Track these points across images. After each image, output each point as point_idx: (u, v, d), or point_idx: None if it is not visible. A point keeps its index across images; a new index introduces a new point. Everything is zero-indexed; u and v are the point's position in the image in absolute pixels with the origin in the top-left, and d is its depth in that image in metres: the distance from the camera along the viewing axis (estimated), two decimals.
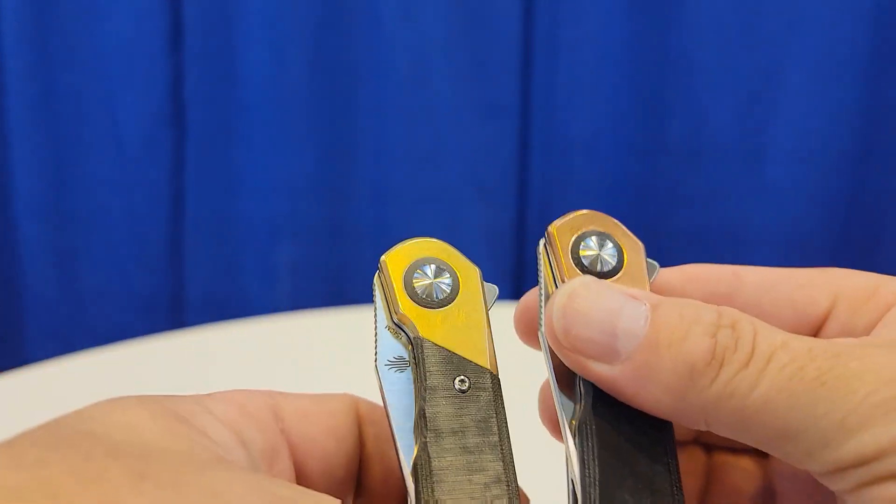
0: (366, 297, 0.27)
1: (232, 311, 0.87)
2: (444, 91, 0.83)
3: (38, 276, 0.87)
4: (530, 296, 0.27)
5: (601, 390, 0.24)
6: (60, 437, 0.19)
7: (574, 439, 0.24)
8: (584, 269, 0.26)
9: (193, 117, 0.85)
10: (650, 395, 0.22)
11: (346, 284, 0.88)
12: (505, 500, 0.23)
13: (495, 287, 0.27)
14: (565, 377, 0.25)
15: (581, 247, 0.26)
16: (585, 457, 0.24)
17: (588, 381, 0.24)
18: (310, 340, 0.61)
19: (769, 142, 0.83)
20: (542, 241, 0.27)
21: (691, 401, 0.22)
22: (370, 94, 0.83)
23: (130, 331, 0.75)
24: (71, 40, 0.82)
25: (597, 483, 0.23)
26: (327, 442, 0.25)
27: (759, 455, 0.28)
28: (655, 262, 0.27)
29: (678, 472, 0.24)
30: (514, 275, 0.88)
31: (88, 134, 0.84)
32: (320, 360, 0.58)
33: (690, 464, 0.28)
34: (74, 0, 0.81)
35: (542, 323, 0.25)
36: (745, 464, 0.28)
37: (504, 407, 0.25)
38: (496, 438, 0.24)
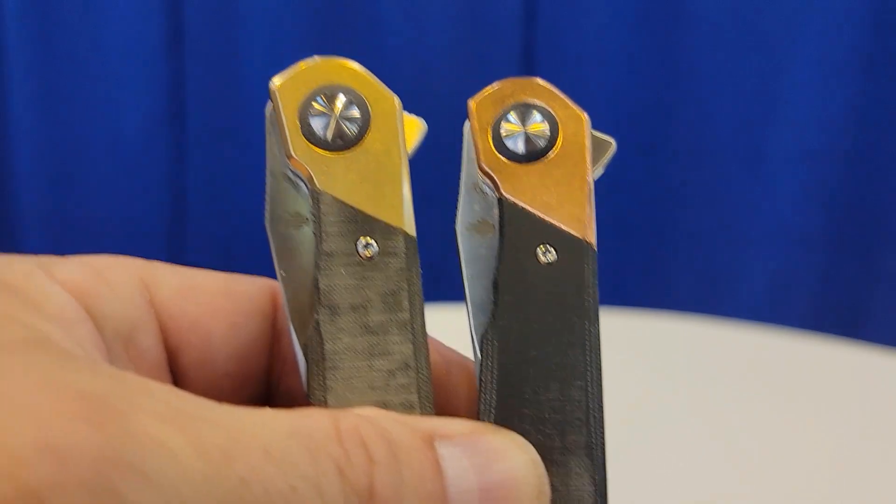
0: None
1: None
2: (445, 93, 0.80)
3: None
4: None
5: (511, 299, 0.20)
6: None
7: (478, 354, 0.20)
8: (506, 153, 0.21)
9: (194, 118, 0.82)
10: None
11: None
12: (413, 391, 0.19)
13: (421, 121, 0.21)
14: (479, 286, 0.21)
15: (502, 124, 0.21)
16: (484, 377, 0.20)
17: (498, 289, 0.20)
18: None
19: (770, 142, 0.83)
20: (465, 122, 0.22)
21: None
22: None
23: None
24: (72, 41, 0.79)
25: (492, 409, 0.19)
26: (213, 326, 0.21)
27: None
28: (610, 139, 0.21)
29: (600, 400, 0.20)
30: None
31: (89, 134, 0.82)
32: None
33: None
34: (76, 1, 0.78)
35: (458, 218, 0.21)
36: None
37: (419, 277, 0.20)
38: (406, 315, 0.20)
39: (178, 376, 0.21)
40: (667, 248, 0.85)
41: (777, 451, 0.46)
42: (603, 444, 0.19)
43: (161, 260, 0.77)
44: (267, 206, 0.21)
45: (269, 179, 0.21)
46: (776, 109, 0.82)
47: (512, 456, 0.18)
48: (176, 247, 0.87)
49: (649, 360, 0.56)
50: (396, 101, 0.21)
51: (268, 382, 0.22)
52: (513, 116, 0.21)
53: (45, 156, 0.83)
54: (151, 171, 0.84)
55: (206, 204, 0.86)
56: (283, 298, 0.20)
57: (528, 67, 0.82)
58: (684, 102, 0.83)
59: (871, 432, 0.49)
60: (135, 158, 0.83)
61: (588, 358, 0.20)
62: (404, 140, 0.21)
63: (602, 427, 0.20)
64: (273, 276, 0.23)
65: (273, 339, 0.22)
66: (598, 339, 0.20)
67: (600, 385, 0.20)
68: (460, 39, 0.82)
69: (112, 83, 0.81)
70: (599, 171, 0.22)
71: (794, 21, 0.80)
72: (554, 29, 0.82)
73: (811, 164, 0.83)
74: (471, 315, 0.21)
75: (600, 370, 0.20)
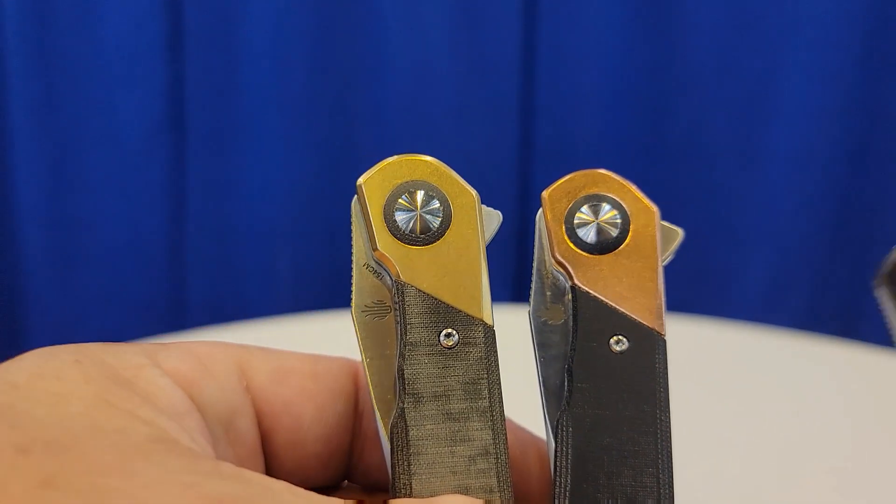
0: None
1: (232, 313, 0.87)
2: (444, 93, 0.83)
3: (40, 279, 0.86)
4: None
5: (584, 387, 0.21)
6: None
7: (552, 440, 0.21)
8: (579, 243, 0.22)
9: (194, 120, 0.84)
10: None
11: (346, 287, 0.87)
12: (492, 476, 0.20)
13: (497, 213, 0.22)
14: (552, 374, 0.22)
15: (575, 216, 0.22)
16: (558, 462, 0.21)
17: (572, 376, 0.21)
18: (309, 343, 0.59)
19: (765, 143, 0.84)
20: (539, 211, 0.23)
21: None
22: (370, 97, 0.83)
23: (131, 333, 0.76)
24: (71, 43, 0.80)
25: (567, 493, 0.20)
26: (303, 408, 0.22)
27: None
28: (678, 229, 0.22)
29: (671, 486, 0.20)
30: (516, 277, 0.86)
31: (89, 137, 0.83)
32: None
33: None
34: (75, 3, 0.79)
35: (532, 303, 0.22)
36: None
37: (498, 365, 0.21)
38: (486, 403, 0.21)
39: (269, 458, 0.22)
40: None
41: (774, 451, 0.47)
42: None
43: (161, 268, 0.77)
44: (353, 295, 0.22)
45: (354, 270, 0.22)
46: (774, 109, 0.83)
47: None
48: (175, 249, 0.88)
49: None
50: (475, 195, 0.22)
51: (348, 459, 0.23)
52: (585, 208, 0.22)
53: (45, 158, 0.84)
54: (151, 174, 0.85)
55: (205, 207, 0.87)
56: (368, 383, 0.21)
57: (527, 67, 0.83)
58: (682, 102, 0.84)
59: (868, 432, 0.49)
60: (134, 161, 0.84)
61: (659, 446, 0.21)
62: (482, 232, 0.22)
63: None
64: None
65: (355, 419, 0.23)
66: (669, 427, 0.21)
67: (671, 472, 0.21)
68: (460, 39, 0.83)
69: (111, 86, 0.82)
70: (668, 258, 0.23)
71: (792, 20, 0.81)
72: (552, 30, 0.83)
73: (808, 164, 0.83)
74: (544, 398, 0.22)
75: (671, 457, 0.21)
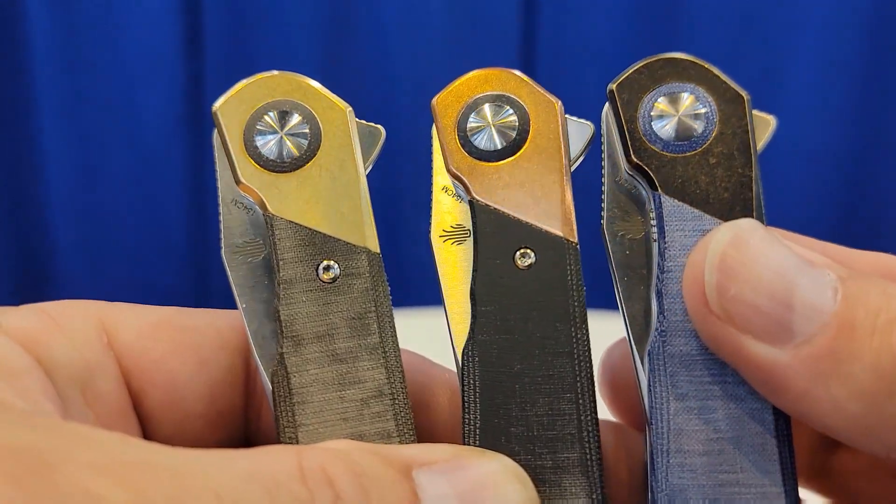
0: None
1: None
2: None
3: (70, 269, 0.88)
4: (615, 352, 0.21)
5: (490, 310, 0.18)
6: None
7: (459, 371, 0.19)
8: (474, 151, 0.20)
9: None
10: (828, 397, 0.16)
11: None
12: (389, 419, 0.18)
13: (378, 128, 0.20)
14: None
15: (468, 121, 0.20)
16: (466, 396, 0.18)
17: (475, 299, 0.18)
18: None
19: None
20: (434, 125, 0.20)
21: (890, 414, 0.16)
22: (375, 96, 0.83)
23: None
24: (96, 47, 0.83)
25: (477, 430, 0.18)
26: (179, 364, 0.19)
27: None
28: (587, 122, 0.20)
29: (593, 412, 0.18)
30: None
31: (113, 135, 0.85)
32: None
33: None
34: (99, 8, 0.82)
35: (433, 225, 0.20)
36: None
37: (388, 296, 0.19)
38: (376, 339, 0.18)
39: (144, 420, 0.20)
40: None
41: None
42: (599, 459, 0.18)
43: (184, 258, 0.78)
44: (222, 236, 0.19)
45: (222, 208, 0.20)
46: (775, 109, 0.81)
47: (499, 480, 0.16)
48: (197, 242, 0.89)
49: None
50: (348, 109, 0.20)
51: (246, 421, 0.21)
52: (479, 111, 0.20)
53: (73, 156, 0.86)
54: (172, 170, 0.86)
55: None
56: (247, 332, 0.19)
57: (526, 66, 0.83)
58: None
59: None
60: (156, 157, 0.86)
61: (577, 367, 0.18)
62: (360, 151, 0.19)
63: (597, 441, 0.18)
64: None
65: (247, 374, 0.20)
66: (588, 345, 0.18)
67: (593, 395, 0.18)
68: (459, 39, 0.83)
69: (134, 86, 0.84)
70: (579, 158, 0.20)
71: (797, 16, 0.80)
72: (551, 29, 0.82)
73: (812, 163, 0.83)
74: (451, 329, 0.19)
75: (591, 379, 0.18)
